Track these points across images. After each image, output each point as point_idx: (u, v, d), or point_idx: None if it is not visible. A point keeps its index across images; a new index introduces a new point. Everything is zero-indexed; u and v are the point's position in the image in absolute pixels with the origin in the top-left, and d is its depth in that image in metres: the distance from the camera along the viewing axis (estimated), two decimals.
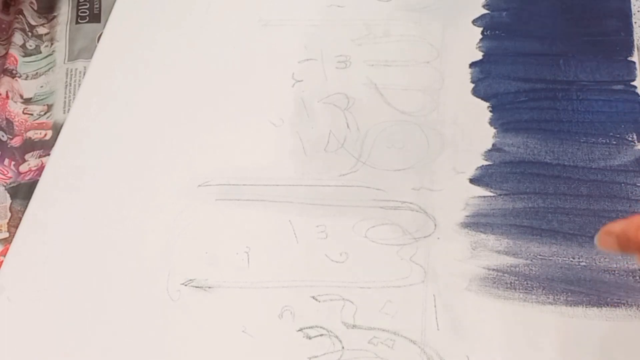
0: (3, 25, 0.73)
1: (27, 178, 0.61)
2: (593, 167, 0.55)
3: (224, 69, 0.65)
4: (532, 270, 0.51)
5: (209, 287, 0.52)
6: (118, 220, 0.56)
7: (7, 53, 0.70)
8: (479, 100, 0.60)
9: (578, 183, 0.54)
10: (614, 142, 0.56)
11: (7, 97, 0.67)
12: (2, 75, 0.68)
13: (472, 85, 0.61)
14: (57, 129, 0.64)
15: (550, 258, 0.51)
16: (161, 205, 0.56)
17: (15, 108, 0.66)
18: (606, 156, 0.55)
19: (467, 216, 0.54)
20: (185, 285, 0.52)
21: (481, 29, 0.65)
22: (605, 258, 0.51)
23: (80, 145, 0.61)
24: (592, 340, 0.48)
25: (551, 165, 0.55)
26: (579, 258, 0.51)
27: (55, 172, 0.59)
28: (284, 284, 0.52)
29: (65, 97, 0.67)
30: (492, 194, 0.55)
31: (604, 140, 0.56)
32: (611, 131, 0.57)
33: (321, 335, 0.49)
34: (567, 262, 0.51)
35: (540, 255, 0.51)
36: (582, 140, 0.56)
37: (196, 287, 0.52)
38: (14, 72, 0.69)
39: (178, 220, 0.55)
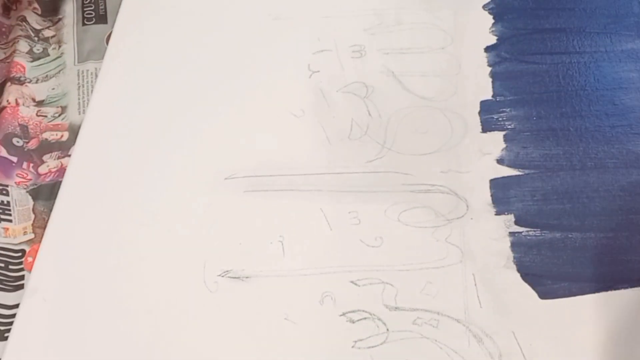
0: (3, 29, 0.72)
1: (47, 179, 0.61)
2: (615, 144, 0.56)
3: (238, 63, 0.64)
4: (566, 245, 0.51)
5: (247, 277, 0.52)
6: (147, 217, 0.56)
7: (9, 58, 0.69)
8: (498, 82, 0.60)
9: (604, 156, 0.55)
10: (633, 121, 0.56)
11: (18, 104, 0.66)
12: (9, 83, 0.67)
13: (490, 68, 0.61)
14: (73, 130, 0.64)
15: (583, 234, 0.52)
16: (189, 200, 0.56)
17: (27, 112, 0.65)
18: (623, 134, 0.56)
19: (498, 196, 0.54)
20: (222, 276, 0.52)
21: (492, 14, 0.65)
22: None
23: (102, 144, 0.60)
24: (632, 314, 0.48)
25: (575, 143, 0.56)
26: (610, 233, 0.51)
27: (80, 171, 0.59)
28: (321, 271, 0.52)
29: (79, 99, 0.66)
30: (519, 173, 0.55)
31: (619, 121, 0.57)
32: (631, 111, 0.57)
33: (365, 318, 0.49)
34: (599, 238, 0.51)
35: (571, 232, 0.52)
36: (603, 122, 0.57)
37: (233, 277, 0.52)
38: (22, 79, 0.68)
39: (208, 213, 0.55)
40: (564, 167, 0.55)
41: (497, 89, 0.60)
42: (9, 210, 0.59)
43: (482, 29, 0.64)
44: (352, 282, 0.51)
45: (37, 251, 0.56)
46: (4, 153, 0.62)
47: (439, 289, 0.50)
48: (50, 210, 0.58)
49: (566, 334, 0.48)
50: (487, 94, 0.59)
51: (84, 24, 0.72)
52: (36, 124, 0.65)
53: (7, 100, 0.65)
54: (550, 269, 0.51)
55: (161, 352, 0.50)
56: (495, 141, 0.57)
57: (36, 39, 0.71)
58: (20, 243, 0.58)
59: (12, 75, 0.68)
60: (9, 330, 0.53)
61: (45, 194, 0.60)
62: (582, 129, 0.57)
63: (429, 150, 0.57)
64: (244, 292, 0.51)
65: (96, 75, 0.66)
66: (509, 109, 0.58)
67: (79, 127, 0.62)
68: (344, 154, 0.57)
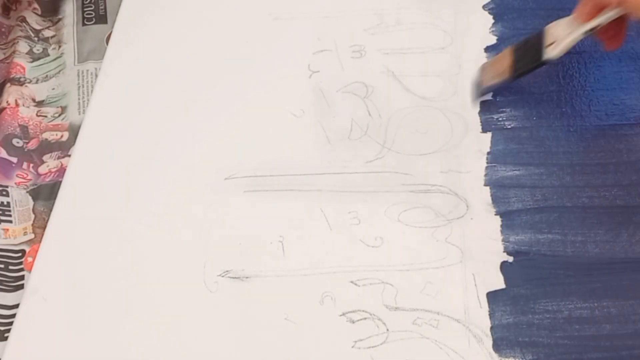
0: (3, 29, 0.72)
1: (47, 179, 0.61)
2: (615, 144, 0.56)
3: (238, 63, 0.64)
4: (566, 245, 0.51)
5: (246, 277, 0.52)
6: (147, 217, 0.56)
7: (8, 58, 0.69)
8: None
9: (603, 156, 0.55)
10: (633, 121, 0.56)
11: (17, 105, 0.66)
12: (9, 84, 0.67)
13: None
14: (73, 130, 0.63)
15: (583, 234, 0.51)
16: (190, 200, 0.56)
17: (27, 113, 0.65)
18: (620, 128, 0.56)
19: (497, 196, 0.54)
20: (222, 276, 0.52)
21: (492, 14, 0.65)
22: None
23: (102, 144, 0.60)
24: None
25: (575, 143, 0.56)
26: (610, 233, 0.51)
27: (80, 171, 0.59)
28: (321, 271, 0.52)
29: (79, 99, 0.66)
30: (520, 173, 0.55)
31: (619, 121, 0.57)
32: (629, 110, 0.57)
33: (364, 318, 0.49)
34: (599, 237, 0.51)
35: (571, 232, 0.52)
36: (603, 122, 0.57)
37: (233, 277, 0.52)
38: (22, 79, 0.68)
39: (208, 213, 0.55)
40: (564, 167, 0.55)
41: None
42: (9, 211, 0.59)
43: (482, 29, 0.64)
44: (352, 282, 0.51)
45: (37, 251, 0.56)
46: (4, 154, 0.62)
47: (439, 289, 0.50)
48: (50, 210, 0.58)
49: None
50: (487, 94, 0.59)
51: (84, 24, 0.72)
52: (36, 124, 0.65)
53: (7, 102, 0.65)
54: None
55: (161, 352, 0.50)
56: (495, 141, 0.57)
57: (36, 39, 0.71)
58: (20, 243, 0.58)
59: (11, 76, 0.68)
60: (9, 330, 0.53)
61: (45, 194, 0.60)
62: (582, 129, 0.57)
63: (429, 150, 0.57)
64: (244, 292, 0.51)
65: (96, 75, 0.66)
66: (509, 109, 0.58)
67: (79, 127, 0.63)
68: (343, 154, 0.57)
